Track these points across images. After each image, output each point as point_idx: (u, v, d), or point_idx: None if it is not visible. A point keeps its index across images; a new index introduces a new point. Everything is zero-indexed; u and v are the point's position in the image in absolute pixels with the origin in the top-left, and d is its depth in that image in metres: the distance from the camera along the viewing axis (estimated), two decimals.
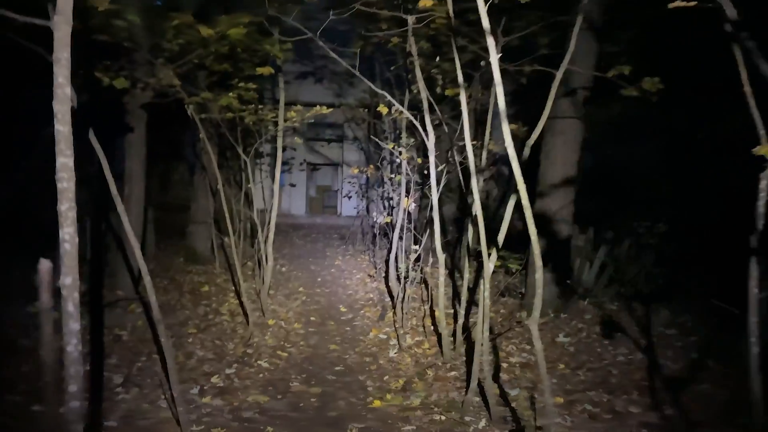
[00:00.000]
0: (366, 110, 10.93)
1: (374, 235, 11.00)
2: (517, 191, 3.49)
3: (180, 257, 10.79)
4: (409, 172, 6.81)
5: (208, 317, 7.52)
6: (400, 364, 5.94)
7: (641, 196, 8.29)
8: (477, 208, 4.72)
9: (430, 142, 5.73)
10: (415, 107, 7.48)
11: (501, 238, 4.68)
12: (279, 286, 9.42)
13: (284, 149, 18.37)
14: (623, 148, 9.39)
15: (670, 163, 8.15)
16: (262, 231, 7.70)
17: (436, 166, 5.87)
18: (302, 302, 8.52)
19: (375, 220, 10.18)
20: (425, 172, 7.92)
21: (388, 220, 9.73)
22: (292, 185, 18.93)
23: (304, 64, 14.06)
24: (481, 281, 4.63)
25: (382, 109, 7.63)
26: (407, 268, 7.11)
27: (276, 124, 7.53)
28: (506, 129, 3.55)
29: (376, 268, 9.97)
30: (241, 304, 7.35)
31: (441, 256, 5.81)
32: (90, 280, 7.65)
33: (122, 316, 7.08)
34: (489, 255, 4.56)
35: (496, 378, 5.34)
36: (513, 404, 4.86)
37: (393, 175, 8.66)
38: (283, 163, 18.43)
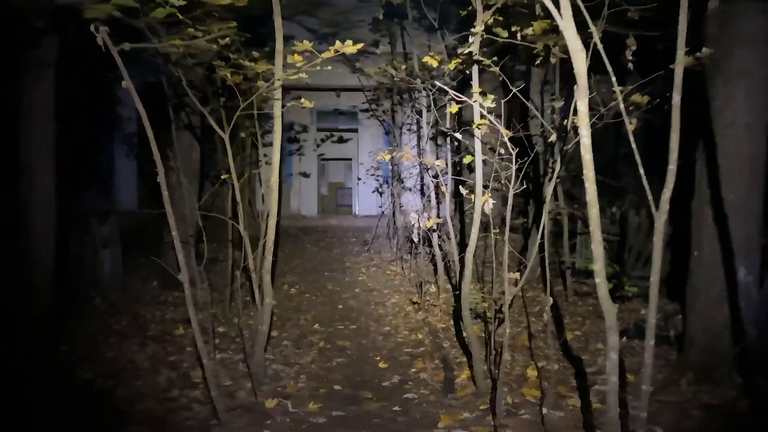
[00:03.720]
0: (393, 76, 7.77)
1: (412, 243, 7.84)
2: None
3: (154, 282, 7.64)
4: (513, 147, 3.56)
5: (169, 395, 4.37)
6: None
7: None
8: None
9: (579, 66, 2.54)
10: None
11: None
12: (285, 321, 6.27)
13: (291, 127, 14.98)
14: None
15: None
16: (251, 252, 4.55)
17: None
18: (319, 352, 5.36)
19: (412, 222, 7.00)
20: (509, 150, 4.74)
21: (432, 223, 6.58)
22: (305, 175, 15.56)
23: (310, 31, 10.81)
24: None
25: (432, 61, 4.51)
26: (497, 306, 3.93)
27: (267, 79, 4.39)
28: None
29: (420, 292, 6.79)
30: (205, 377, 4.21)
31: (607, 302, 2.62)
32: None
33: None
34: None
35: None
36: None
37: (449, 157, 5.52)
38: (290, 141, 14.93)
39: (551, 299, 3.65)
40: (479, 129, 4.14)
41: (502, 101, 3.72)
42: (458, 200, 9.10)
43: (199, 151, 7.53)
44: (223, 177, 4.64)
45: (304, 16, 10.14)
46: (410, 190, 9.61)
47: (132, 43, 3.22)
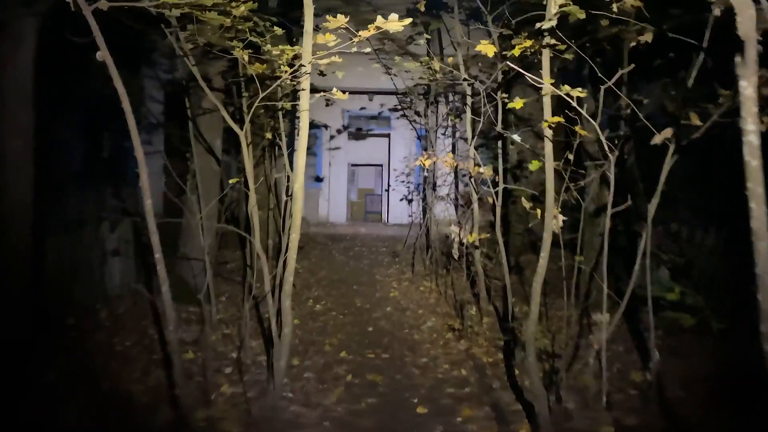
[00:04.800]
0: (435, 72, 6.89)
1: (449, 258, 6.94)
2: None
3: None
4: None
5: None
6: None
7: None
8: None
9: (745, 28, 1.65)
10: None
11: None
12: (308, 346, 5.42)
13: (319, 128, 14.23)
14: None
15: None
16: (269, 271, 3.73)
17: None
18: (346, 389, 4.48)
19: (452, 236, 6.11)
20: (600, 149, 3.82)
21: (475, 238, 5.73)
22: (318, 179, 14.75)
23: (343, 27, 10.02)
24: None
25: (488, 49, 3.61)
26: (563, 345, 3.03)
27: (291, 65, 3.58)
28: None
29: (461, 317, 5.88)
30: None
31: None
32: None
33: None
34: None
35: None
36: None
37: (500, 163, 4.64)
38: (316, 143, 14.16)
39: (657, 353, 2.73)
40: (550, 128, 3.26)
41: (602, 89, 2.80)
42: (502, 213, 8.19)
43: (221, 152, 6.76)
44: (232, 181, 3.83)
45: (335, 12, 9.38)
46: (444, 198, 8.71)
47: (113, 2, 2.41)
